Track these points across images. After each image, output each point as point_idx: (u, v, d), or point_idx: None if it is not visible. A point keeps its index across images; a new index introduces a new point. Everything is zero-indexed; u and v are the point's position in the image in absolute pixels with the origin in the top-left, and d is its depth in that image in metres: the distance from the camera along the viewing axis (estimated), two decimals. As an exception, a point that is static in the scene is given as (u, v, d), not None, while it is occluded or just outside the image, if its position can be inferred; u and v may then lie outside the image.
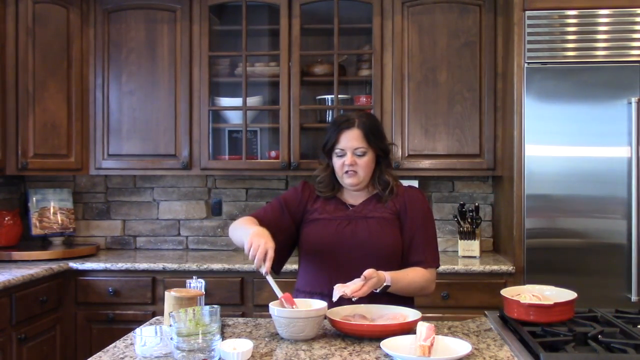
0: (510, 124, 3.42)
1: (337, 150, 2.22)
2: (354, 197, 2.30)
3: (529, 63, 3.30)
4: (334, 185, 2.30)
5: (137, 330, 1.78)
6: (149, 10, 3.81)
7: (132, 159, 3.83)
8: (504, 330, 1.95)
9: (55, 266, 3.39)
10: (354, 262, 2.13)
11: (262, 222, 2.18)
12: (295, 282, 2.35)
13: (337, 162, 2.23)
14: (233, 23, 3.91)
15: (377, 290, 2.02)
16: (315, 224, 2.25)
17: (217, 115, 3.89)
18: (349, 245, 2.18)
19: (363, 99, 3.81)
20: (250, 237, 1.97)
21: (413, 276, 2.17)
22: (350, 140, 2.20)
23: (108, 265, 3.51)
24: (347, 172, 2.21)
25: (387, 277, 2.04)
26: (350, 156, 2.20)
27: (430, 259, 2.23)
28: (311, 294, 2.15)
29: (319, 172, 2.33)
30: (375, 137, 2.24)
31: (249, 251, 1.95)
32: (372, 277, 1.98)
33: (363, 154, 2.21)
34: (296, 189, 2.34)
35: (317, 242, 2.22)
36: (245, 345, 1.69)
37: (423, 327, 1.72)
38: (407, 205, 2.25)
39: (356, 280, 1.98)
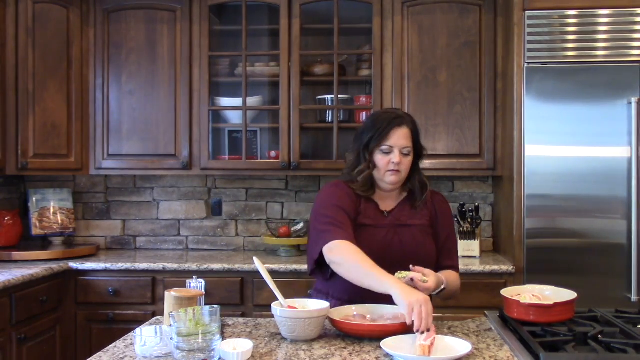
0: (510, 124, 3.42)
1: (383, 147, 2.16)
2: (385, 201, 2.25)
3: (529, 63, 3.29)
4: (372, 184, 2.23)
5: (137, 330, 1.78)
6: (149, 10, 3.81)
7: (132, 159, 3.83)
8: (504, 330, 1.95)
9: (55, 266, 3.39)
10: (398, 270, 2.04)
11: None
12: (321, 285, 2.25)
13: (382, 159, 2.16)
14: (233, 23, 3.91)
15: (435, 293, 2.03)
16: (362, 230, 2.16)
17: (217, 115, 3.89)
18: (397, 255, 2.12)
19: (363, 99, 3.81)
20: (408, 302, 1.80)
21: (454, 279, 2.21)
22: (401, 138, 2.16)
23: (108, 265, 3.51)
24: (390, 170, 2.16)
25: (443, 279, 2.05)
26: (397, 154, 2.15)
27: (457, 264, 2.30)
28: (349, 302, 2.09)
29: (360, 170, 2.20)
30: (419, 138, 2.24)
31: (412, 317, 1.79)
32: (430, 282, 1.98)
33: (408, 154, 2.19)
34: (345, 191, 2.20)
35: (365, 250, 2.04)
36: (245, 345, 1.70)
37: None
38: (439, 212, 2.28)
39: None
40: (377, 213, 2.22)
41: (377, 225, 2.18)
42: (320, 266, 2.16)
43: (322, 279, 2.23)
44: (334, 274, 2.12)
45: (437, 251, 2.24)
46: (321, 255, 2.09)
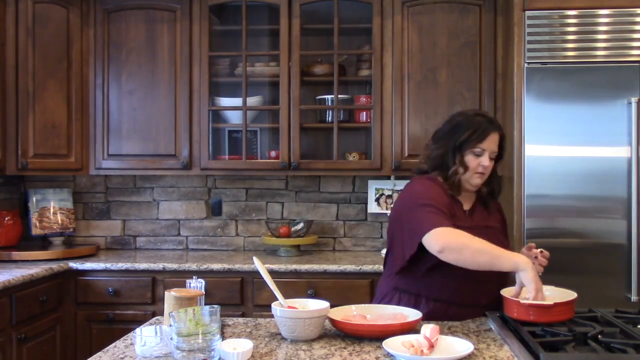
0: (510, 124, 3.42)
1: (477, 150, 2.19)
2: (464, 200, 2.27)
3: (529, 63, 3.29)
4: (461, 185, 2.24)
5: (137, 330, 1.78)
6: (149, 10, 3.81)
7: (132, 159, 3.83)
8: (504, 330, 1.95)
9: (55, 266, 3.39)
10: (482, 271, 2.03)
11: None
12: (409, 284, 2.20)
13: (473, 160, 2.20)
14: (233, 23, 3.91)
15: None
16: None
17: (217, 115, 3.89)
18: None
19: (363, 99, 3.81)
20: (536, 286, 1.90)
21: None
22: (494, 143, 2.22)
23: (108, 265, 3.51)
24: (478, 172, 2.20)
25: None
26: (487, 158, 2.20)
27: None
28: (448, 302, 2.13)
29: (455, 171, 2.20)
30: (504, 144, 2.29)
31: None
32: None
33: (494, 158, 2.25)
34: (442, 188, 2.20)
35: None
36: (245, 345, 1.70)
37: (427, 329, 1.71)
38: (502, 216, 2.37)
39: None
40: (462, 213, 2.24)
41: (464, 225, 2.11)
42: (411, 262, 2.11)
43: (412, 277, 2.18)
44: (429, 270, 2.11)
45: None
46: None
